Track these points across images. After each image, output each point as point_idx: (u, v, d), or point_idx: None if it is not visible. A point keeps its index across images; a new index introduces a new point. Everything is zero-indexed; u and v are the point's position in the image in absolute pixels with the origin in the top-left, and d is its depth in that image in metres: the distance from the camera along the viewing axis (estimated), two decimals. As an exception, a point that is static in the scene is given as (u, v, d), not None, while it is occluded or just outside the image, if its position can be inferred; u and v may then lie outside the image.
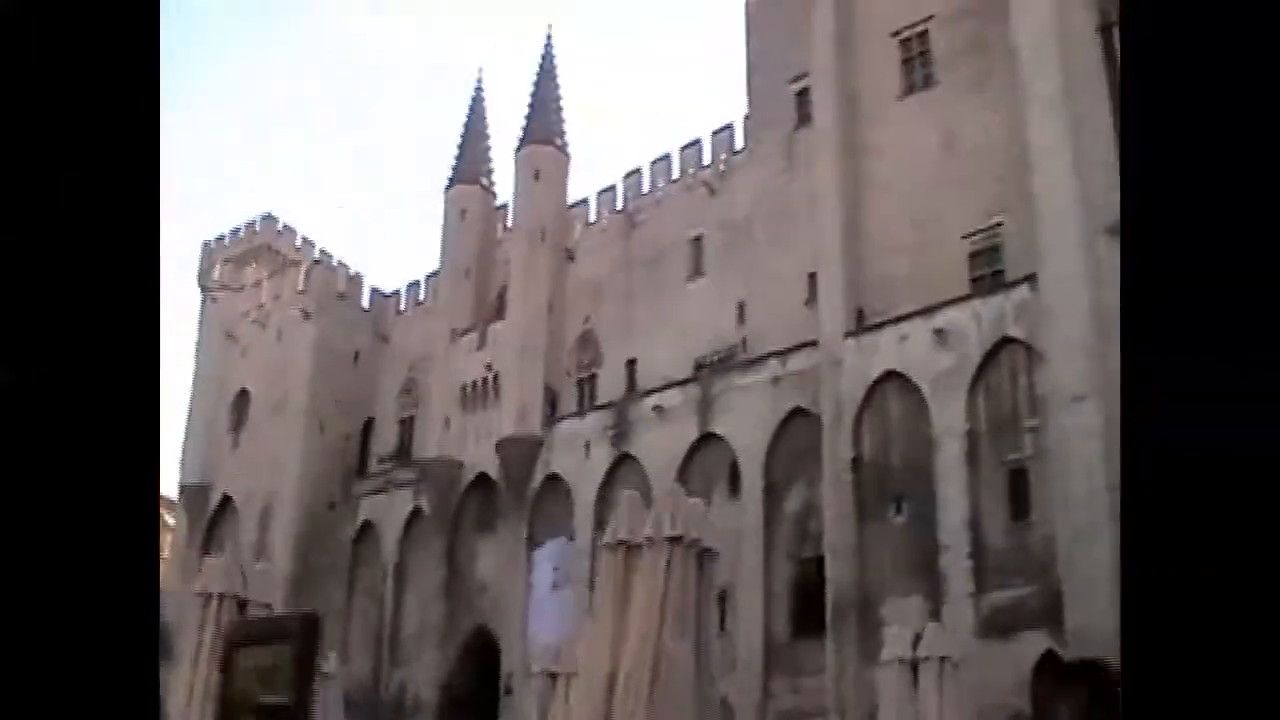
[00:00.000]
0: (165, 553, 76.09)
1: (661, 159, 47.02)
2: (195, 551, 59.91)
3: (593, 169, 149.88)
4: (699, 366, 42.27)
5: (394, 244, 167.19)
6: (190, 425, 64.23)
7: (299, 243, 72.22)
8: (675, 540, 12.85)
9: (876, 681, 24.54)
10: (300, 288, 60.82)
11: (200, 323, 66.99)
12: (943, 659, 21.94)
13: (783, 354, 38.92)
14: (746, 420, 39.39)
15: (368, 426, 58.41)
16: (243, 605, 18.17)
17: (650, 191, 47.27)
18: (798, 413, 38.11)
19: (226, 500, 60.84)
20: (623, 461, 43.62)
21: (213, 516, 61.40)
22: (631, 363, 45.61)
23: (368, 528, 55.08)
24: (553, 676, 38.02)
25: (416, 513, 52.46)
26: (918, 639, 22.45)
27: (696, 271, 44.35)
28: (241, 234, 72.76)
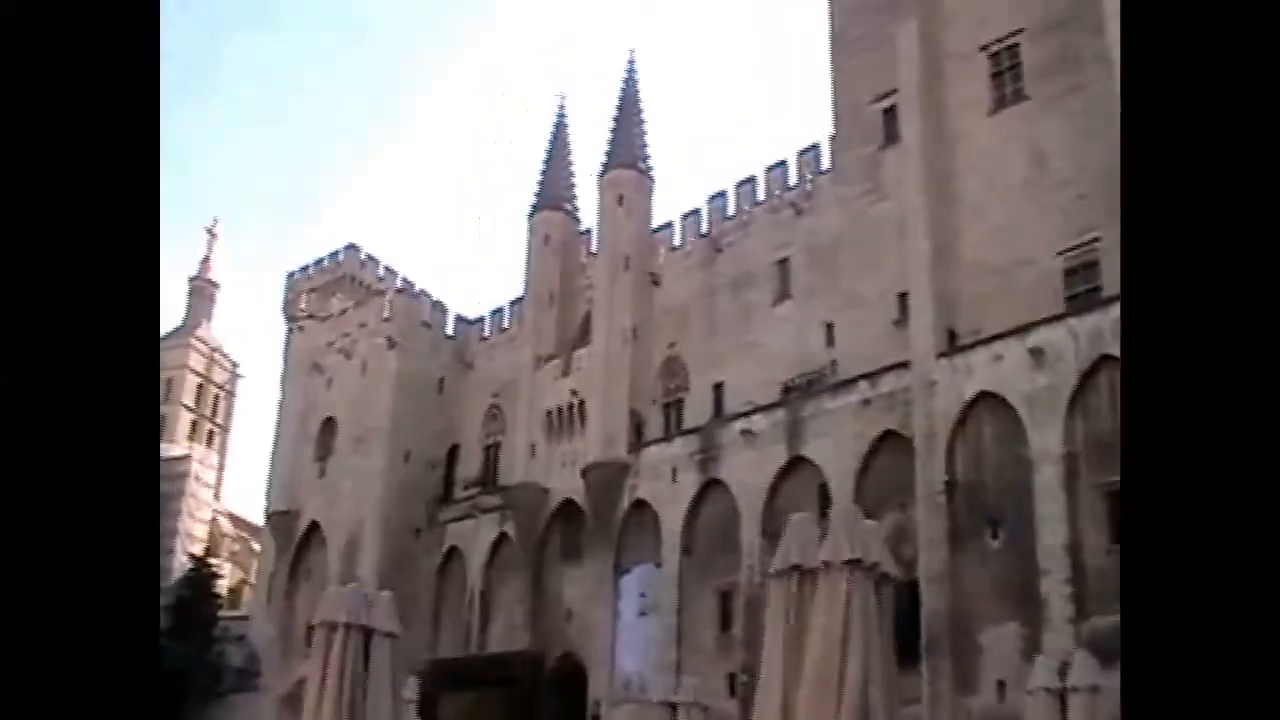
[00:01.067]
0: (251, 578, 77.15)
1: (746, 181, 46.50)
2: (283, 578, 60.51)
3: (677, 192, 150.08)
4: (786, 390, 41.56)
5: (479, 271, 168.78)
6: (277, 453, 64.80)
7: (382, 272, 73.04)
8: (855, 564, 11.81)
9: (1025, 708, 23.66)
10: (385, 316, 61.18)
11: (286, 353, 67.79)
12: (1093, 688, 21.19)
13: (872, 376, 38.11)
14: (836, 444, 38.61)
15: (453, 453, 58.43)
16: (368, 635, 17.74)
17: (735, 214, 46.74)
18: (889, 435, 37.28)
19: (314, 527, 61.13)
20: (710, 487, 43.01)
21: (299, 544, 61.68)
22: (718, 387, 45.02)
23: (453, 554, 55.04)
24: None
25: (502, 539, 52.30)
26: (1065, 668, 21.77)
27: (783, 294, 43.70)
28: (325, 264, 73.73)
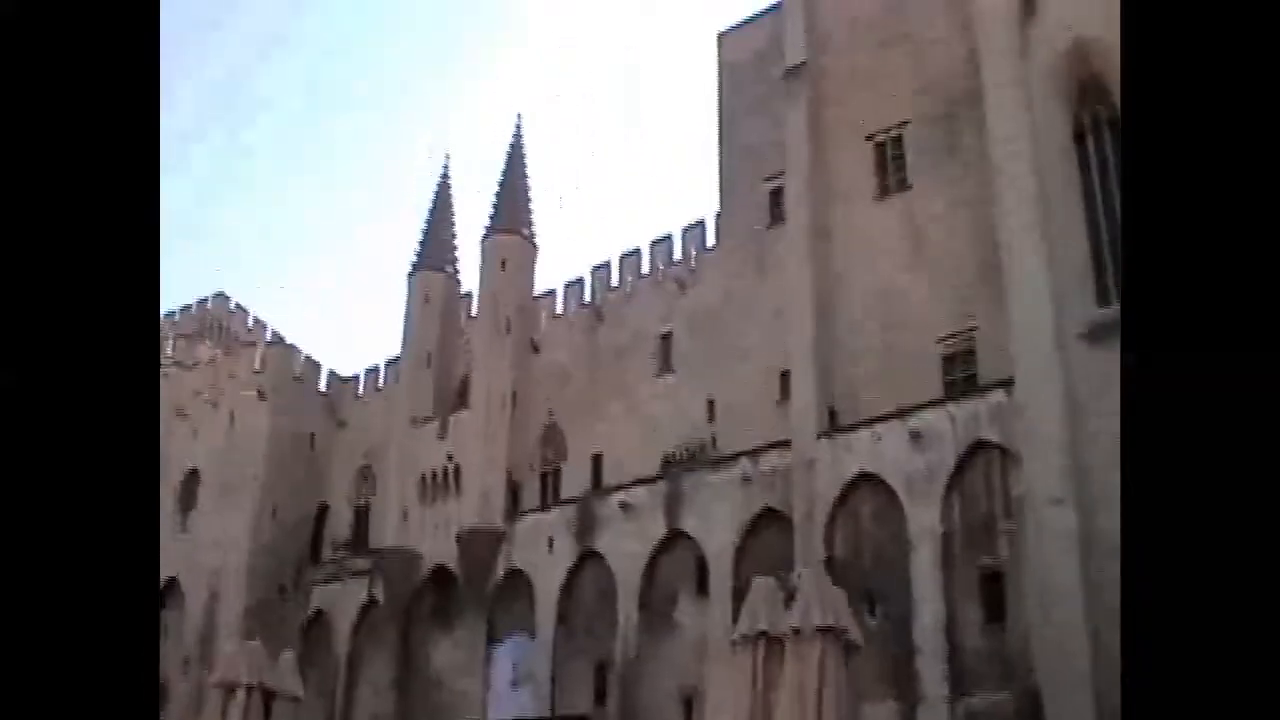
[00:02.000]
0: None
1: (631, 253, 47.06)
2: (137, 638, 58.50)
3: (561, 259, 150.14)
4: (667, 463, 41.91)
5: (353, 329, 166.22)
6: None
7: (251, 323, 71.67)
8: (826, 631, 11.90)
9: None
10: (256, 368, 59.97)
11: (148, 400, 65.61)
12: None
13: (754, 453, 38.69)
14: (716, 519, 39.02)
15: (322, 512, 57.34)
16: (269, 697, 17.32)
17: (619, 286, 47.23)
18: (768, 513, 37.82)
19: (172, 583, 59.21)
20: (588, 558, 43.01)
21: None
22: (597, 457, 45.20)
23: (319, 617, 53.79)
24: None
25: (371, 603, 51.34)
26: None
27: (665, 367, 44.19)
28: (193, 310, 72.00)
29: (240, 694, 16.44)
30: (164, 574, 58.82)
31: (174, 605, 58.70)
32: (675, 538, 40.34)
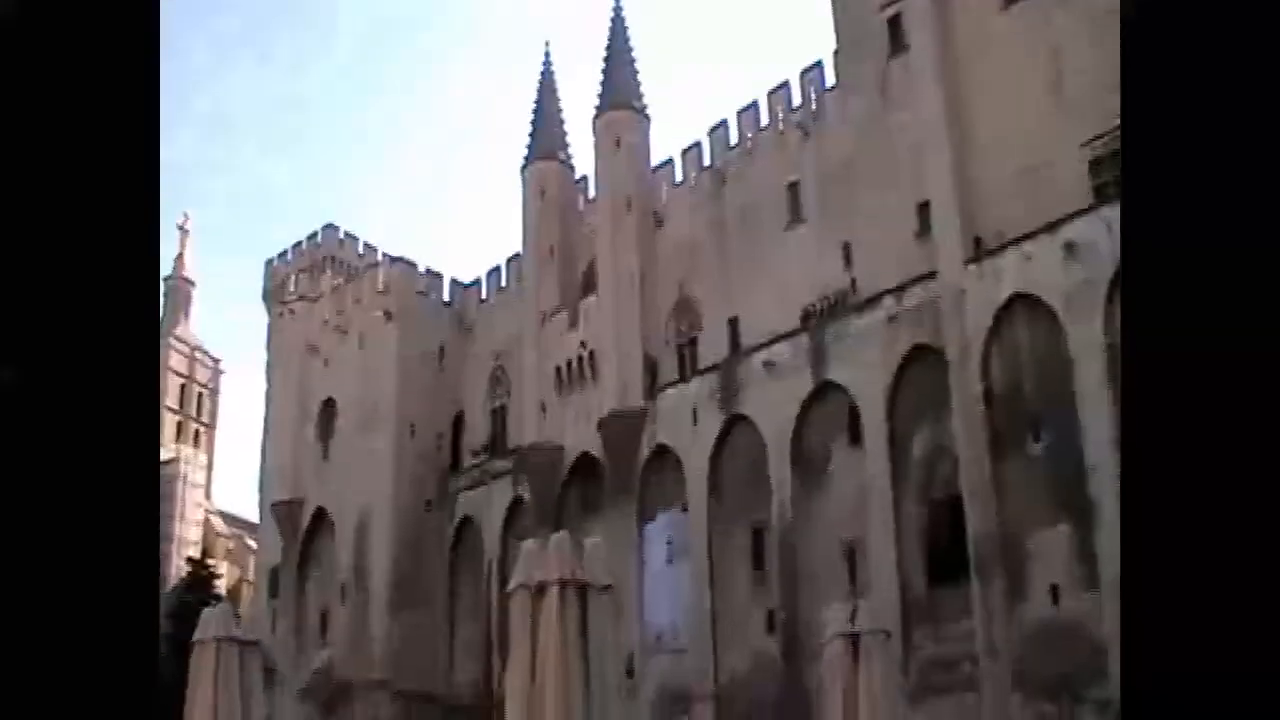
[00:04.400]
0: (249, 575, 77.23)
1: (748, 107, 46.49)
2: (291, 569, 60.52)
3: (676, 128, 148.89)
4: (807, 316, 41.69)
5: (471, 235, 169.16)
6: (271, 443, 64.79)
7: (362, 249, 72.84)
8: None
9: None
10: (380, 288, 61.16)
11: (270, 341, 67.83)
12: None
13: (897, 291, 38.28)
14: (864, 365, 38.78)
15: (458, 422, 58.51)
16: (583, 590, 17.45)
17: (739, 143, 46.74)
18: (919, 350, 37.46)
19: (319, 514, 61.09)
20: (734, 424, 43.18)
21: (308, 532, 61.65)
22: (733, 322, 45.05)
23: (466, 524, 55.16)
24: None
25: (517, 503, 52.44)
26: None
27: (795, 219, 43.78)
28: (304, 247, 73.43)
29: (553, 592, 16.10)
30: (311, 505, 60.97)
31: (324, 535, 60.68)
32: (823, 390, 40.23)
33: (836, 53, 43.11)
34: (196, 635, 26.41)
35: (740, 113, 46.76)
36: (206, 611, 27.33)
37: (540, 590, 16.20)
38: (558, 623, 15.77)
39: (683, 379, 46.18)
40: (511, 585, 16.35)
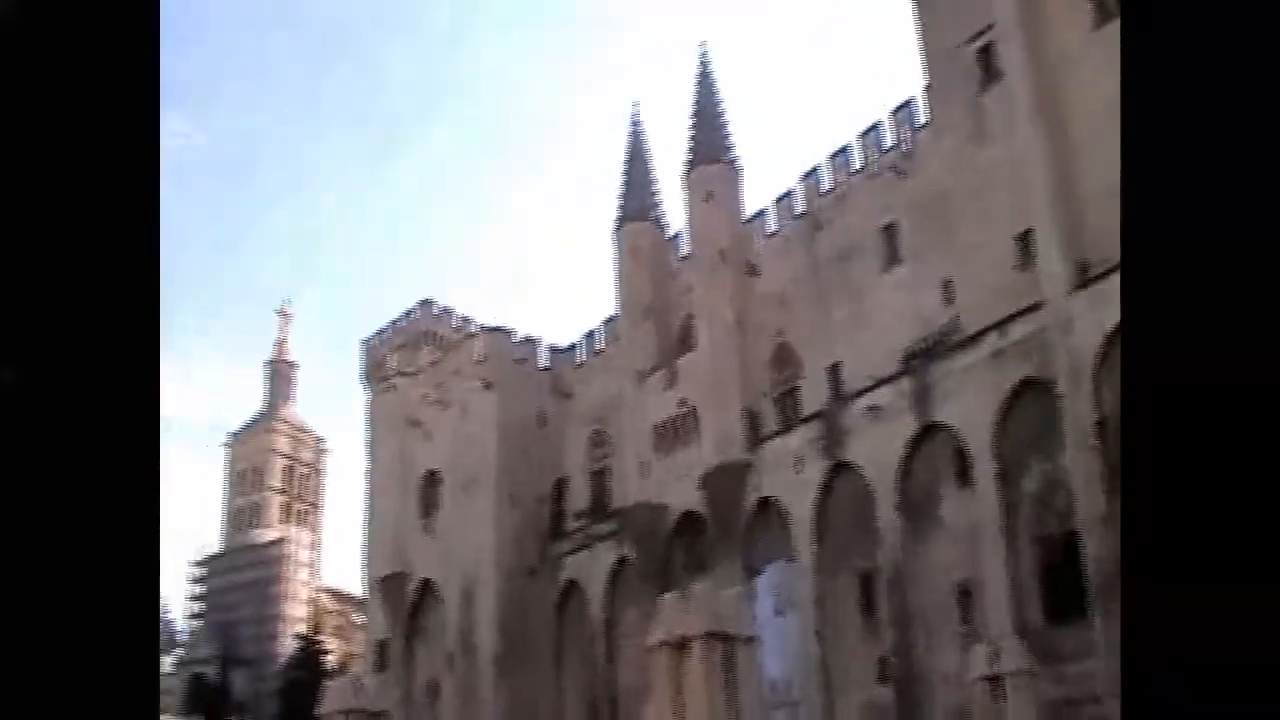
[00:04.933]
0: (357, 648, 77.57)
1: (840, 152, 46.39)
2: (399, 641, 60.65)
3: (766, 179, 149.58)
4: (909, 357, 41.05)
5: (564, 301, 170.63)
6: (375, 517, 65.48)
7: (457, 322, 73.73)
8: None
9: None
10: (477, 358, 61.66)
11: (371, 418, 68.82)
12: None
13: (1001, 325, 37.50)
14: (970, 402, 38.00)
15: (559, 486, 58.51)
16: (729, 642, 17.28)
17: (832, 188, 46.53)
18: (1026, 384, 36.58)
19: (426, 585, 61.29)
20: (838, 471, 42.54)
21: (414, 604, 61.82)
22: (834, 368, 44.59)
23: (572, 588, 54.92)
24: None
25: (622, 564, 52.06)
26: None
27: (893, 260, 43.34)
28: (401, 324, 74.58)
29: (697, 645, 15.81)
30: (416, 577, 61.23)
31: (430, 606, 60.86)
32: (928, 431, 39.50)
33: (927, 89, 42.82)
34: (322, 709, 26.36)
35: (832, 157, 46.69)
36: (331, 685, 27.36)
37: (683, 645, 15.82)
38: (704, 676, 15.36)
39: (784, 429, 45.69)
40: (652, 639, 15.99)
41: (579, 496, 57.20)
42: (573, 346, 60.85)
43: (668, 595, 17.93)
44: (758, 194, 66.45)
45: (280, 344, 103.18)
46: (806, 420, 44.62)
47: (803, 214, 47.54)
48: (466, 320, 73.22)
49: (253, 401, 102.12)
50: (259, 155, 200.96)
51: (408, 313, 75.16)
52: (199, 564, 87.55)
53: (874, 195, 44.56)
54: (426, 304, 75.20)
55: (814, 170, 47.44)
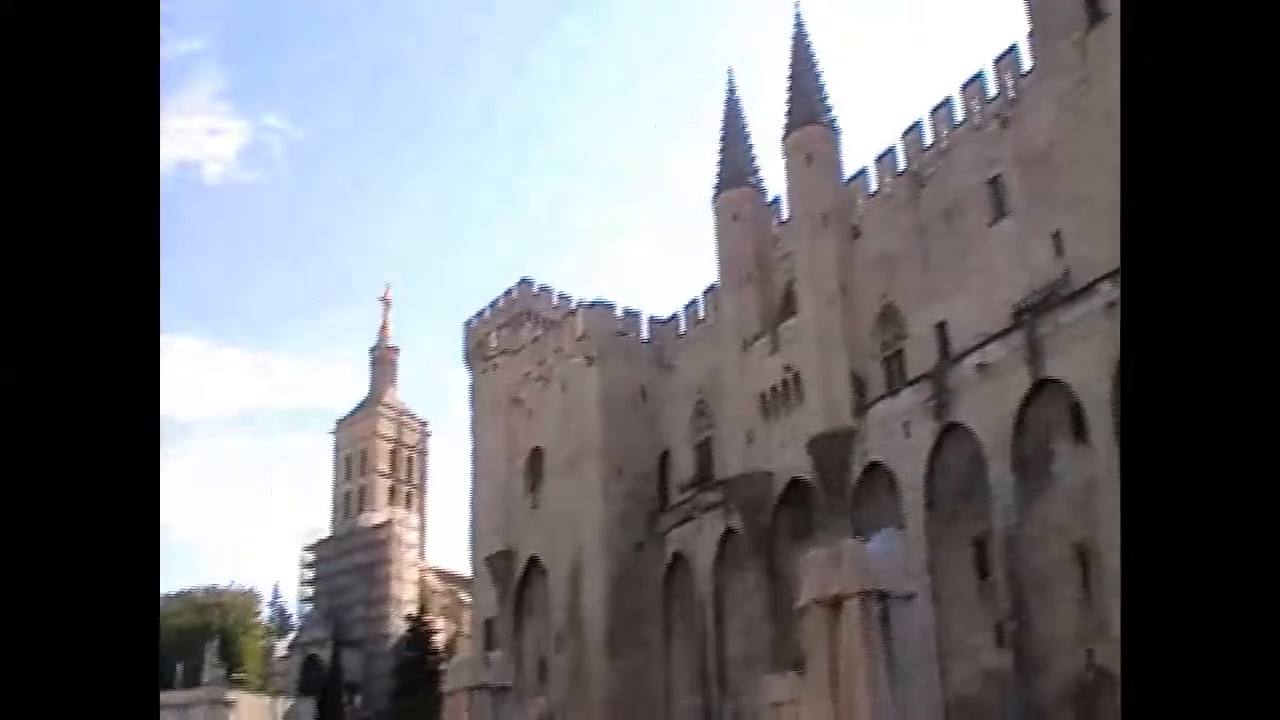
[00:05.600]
0: (464, 628, 78.44)
1: (942, 105, 45.38)
2: (507, 619, 61.06)
3: (866, 138, 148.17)
4: (1019, 313, 40.07)
5: (663, 272, 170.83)
6: (481, 496, 66.02)
7: (556, 300, 74.02)
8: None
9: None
10: (579, 334, 61.72)
11: (474, 398, 69.62)
12: None
13: (1114, 275, 36.28)
14: (1085, 357, 36.93)
15: (664, 459, 58.36)
16: (884, 599, 16.59)
17: (934, 143, 45.60)
18: (1143, 334, 35.40)
19: (533, 563, 61.64)
20: (948, 432, 41.77)
21: (521, 581, 62.22)
22: (941, 327, 43.69)
23: (678, 561, 54.81)
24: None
25: (728, 534, 51.79)
26: None
27: (999, 213, 42.30)
28: (500, 305, 75.20)
29: (853, 605, 15.23)
30: (523, 555, 61.62)
31: (538, 583, 61.25)
32: (1041, 387, 38.59)
33: (1031, 34, 41.68)
34: (448, 685, 26.45)
35: (934, 111, 45.70)
36: (455, 661, 27.61)
37: (836, 604, 15.16)
38: (861, 637, 14.72)
39: (892, 392, 45.01)
40: (802, 600, 15.43)
41: (684, 468, 57.00)
42: (673, 317, 60.61)
43: (815, 551, 17.06)
44: (857, 154, 65.78)
45: (382, 330, 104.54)
46: (914, 382, 43.85)
47: (905, 171, 46.68)
48: (565, 298, 73.56)
49: (359, 388, 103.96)
50: (351, 148, 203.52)
51: (507, 292, 75.75)
52: (310, 549, 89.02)
53: (979, 147, 43.53)
54: (525, 283, 75.68)
55: (915, 125, 46.49)
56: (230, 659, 72.38)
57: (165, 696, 65.23)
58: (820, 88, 51.81)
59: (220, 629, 79.10)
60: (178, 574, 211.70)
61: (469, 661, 26.18)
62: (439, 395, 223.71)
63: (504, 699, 26.63)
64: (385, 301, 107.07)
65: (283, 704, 69.94)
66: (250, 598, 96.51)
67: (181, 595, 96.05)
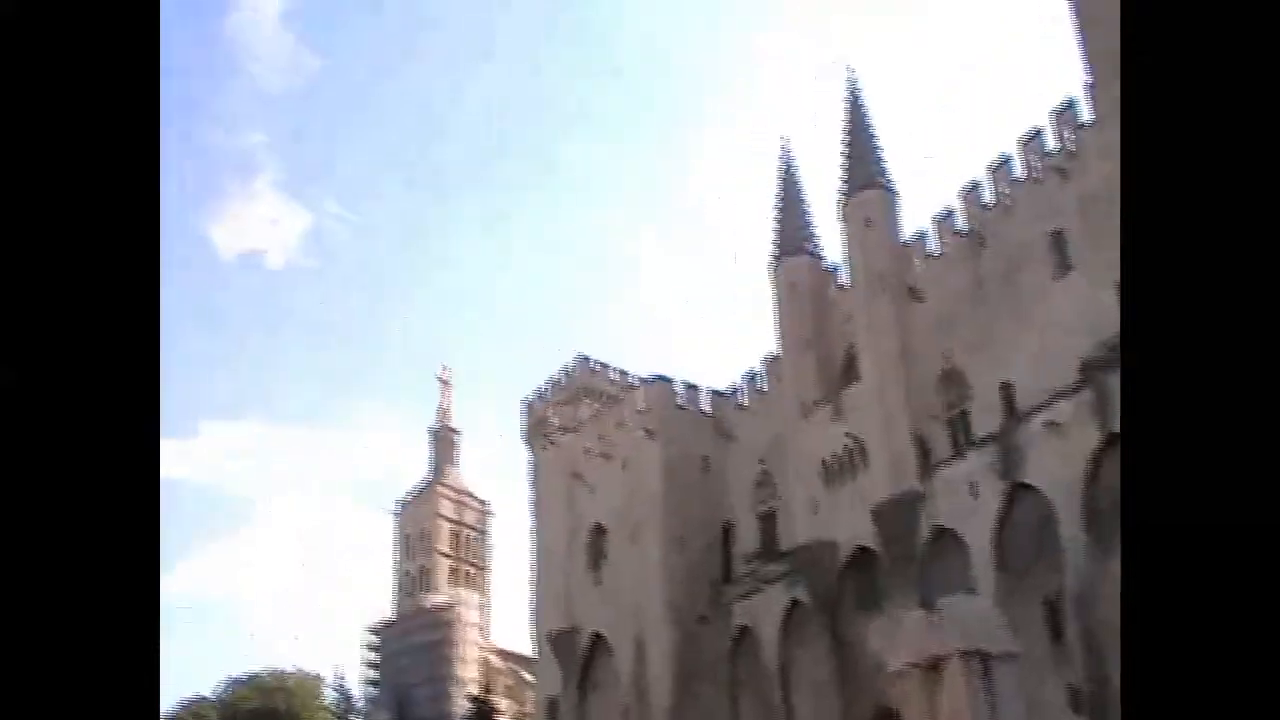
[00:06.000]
0: (527, 707, 77.68)
1: (1001, 162, 45.03)
2: (572, 697, 60.42)
3: (922, 200, 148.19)
4: (1087, 367, 39.32)
5: (720, 344, 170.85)
6: (543, 573, 65.79)
7: (614, 375, 74.15)
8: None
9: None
10: (640, 407, 61.60)
11: (535, 476, 69.95)
12: None
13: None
14: (1155, 410, 36.09)
15: (727, 531, 57.75)
16: (986, 659, 16.18)
17: (995, 202, 45.18)
18: (1215, 385, 34.63)
19: (597, 639, 61.04)
20: (1017, 493, 40.94)
21: (585, 658, 61.61)
22: (1005, 387, 43.07)
23: (744, 633, 53.89)
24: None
25: (794, 605, 50.92)
26: None
27: (1063, 267, 41.74)
28: (560, 381, 75.52)
29: (954, 663, 14.99)
30: (587, 631, 61.09)
31: (602, 659, 60.68)
32: (1113, 442, 37.66)
33: (1090, 85, 41.32)
34: None
35: (992, 169, 45.32)
36: None
37: (935, 665, 14.72)
38: (965, 699, 14.27)
39: (957, 454, 44.27)
40: (896, 664, 15.00)
41: (747, 539, 56.32)
42: (734, 389, 60.25)
43: (914, 612, 16.50)
44: (914, 216, 65.54)
45: (442, 410, 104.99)
46: (980, 443, 43.12)
47: (965, 231, 46.29)
48: (623, 373, 73.73)
49: (419, 469, 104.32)
50: (411, 231, 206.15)
51: (565, 369, 76.06)
52: (372, 630, 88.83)
53: (1039, 202, 43.11)
54: (583, 359, 76.04)
55: (974, 185, 46.18)
56: (295, 744, 71.97)
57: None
58: (876, 149, 51.77)
59: (286, 712, 78.75)
60: (242, 657, 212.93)
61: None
62: (500, 474, 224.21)
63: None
64: (443, 382, 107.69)
65: (348, 787, 69.44)
66: (314, 680, 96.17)
67: (251, 680, 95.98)
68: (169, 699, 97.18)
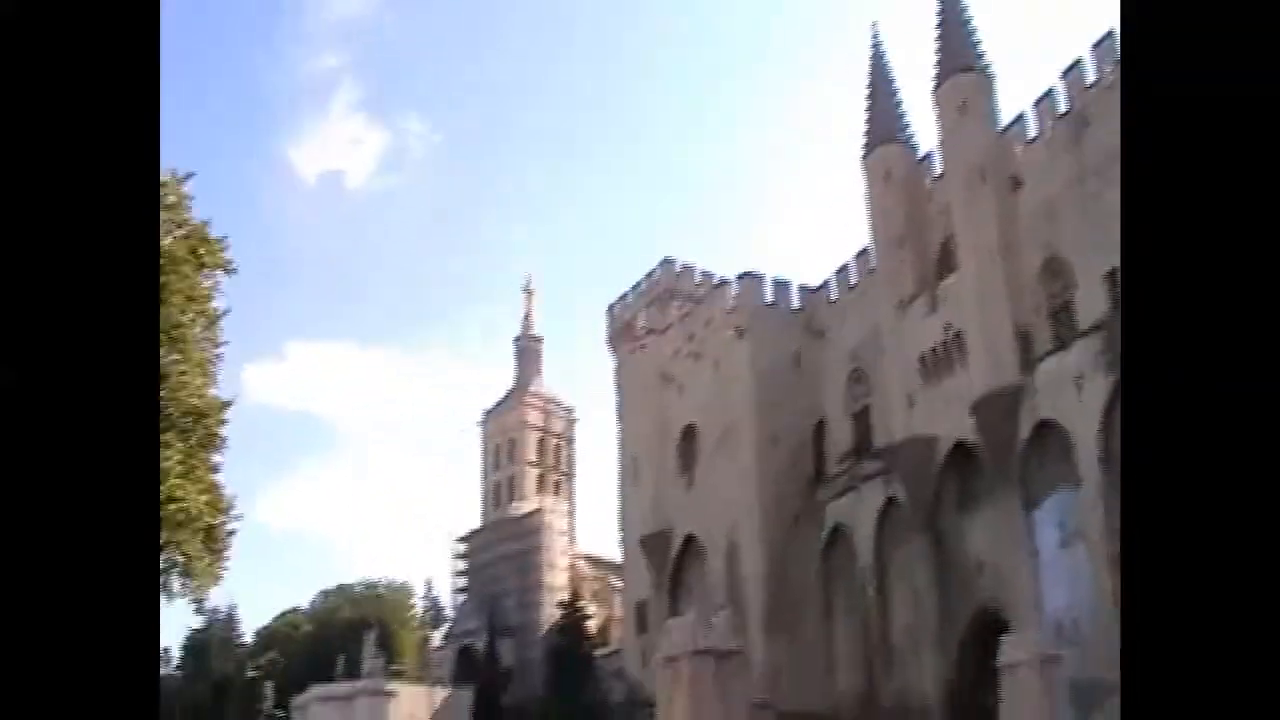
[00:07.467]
0: (616, 612, 78.71)
1: (1105, 38, 43.61)
2: (663, 601, 60.89)
3: (1020, 83, 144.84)
4: (1197, 251, 38.32)
5: (811, 239, 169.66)
6: (633, 477, 66.12)
7: (699, 278, 73.81)
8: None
9: None
10: (729, 307, 61.28)
11: (620, 381, 70.39)
12: None
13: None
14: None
15: (819, 429, 57.52)
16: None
17: (1099, 80, 43.85)
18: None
19: (689, 541, 61.43)
20: (1123, 384, 40.15)
21: (676, 561, 62.10)
22: (1111, 275, 42.03)
23: (837, 533, 53.98)
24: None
25: (889, 504, 50.78)
26: None
27: (1172, 147, 40.51)
28: (643, 287, 75.37)
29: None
30: (679, 534, 61.53)
31: (693, 562, 61.07)
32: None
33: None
34: (667, 650, 26.23)
35: (1096, 46, 43.94)
36: (676, 624, 27.30)
37: None
38: None
39: (1061, 346, 43.49)
40: None
41: (840, 438, 56.14)
42: (826, 284, 59.69)
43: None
44: (1013, 100, 63.99)
45: (526, 320, 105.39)
46: (1086, 334, 42.31)
47: (1067, 114, 45.06)
48: (708, 274, 73.27)
49: (505, 378, 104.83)
50: (492, 145, 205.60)
51: (649, 273, 75.85)
52: (461, 540, 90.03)
53: (1147, 81, 41.75)
54: (667, 262, 75.74)
55: (1076, 64, 44.83)
56: (388, 651, 73.38)
57: (328, 689, 66.62)
58: (971, 32, 50.40)
59: (378, 621, 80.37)
60: (335, 572, 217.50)
61: (690, 624, 25.77)
62: (585, 381, 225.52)
63: (726, 664, 26.14)
64: (528, 292, 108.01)
65: (440, 693, 70.67)
66: (405, 591, 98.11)
67: (341, 590, 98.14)
68: (267, 615, 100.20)
